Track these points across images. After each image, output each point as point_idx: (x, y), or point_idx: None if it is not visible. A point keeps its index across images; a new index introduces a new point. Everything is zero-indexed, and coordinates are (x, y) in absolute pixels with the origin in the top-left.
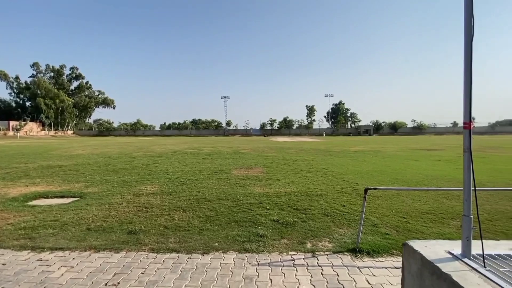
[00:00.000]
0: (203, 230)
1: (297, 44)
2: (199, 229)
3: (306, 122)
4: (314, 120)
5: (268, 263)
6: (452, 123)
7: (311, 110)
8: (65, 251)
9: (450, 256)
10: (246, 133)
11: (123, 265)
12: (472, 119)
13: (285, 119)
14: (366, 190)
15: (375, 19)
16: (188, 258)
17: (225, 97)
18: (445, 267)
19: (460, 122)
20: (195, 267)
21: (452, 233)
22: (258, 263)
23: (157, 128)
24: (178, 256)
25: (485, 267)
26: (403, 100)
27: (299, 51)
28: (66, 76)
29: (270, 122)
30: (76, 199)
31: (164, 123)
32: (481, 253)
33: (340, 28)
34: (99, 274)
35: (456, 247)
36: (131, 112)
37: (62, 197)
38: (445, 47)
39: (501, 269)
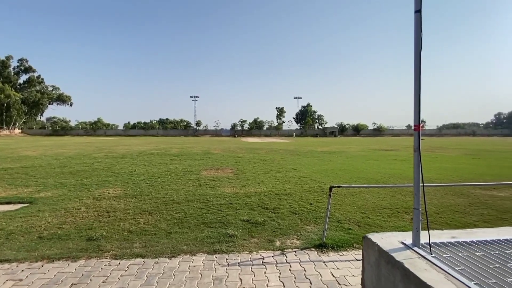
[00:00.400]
0: (171, 233)
1: (268, 47)
2: (166, 233)
3: (276, 123)
4: (283, 122)
5: (238, 263)
6: (407, 126)
7: (280, 112)
8: (12, 262)
9: (403, 246)
10: (217, 133)
11: (82, 274)
12: (423, 122)
13: (255, 120)
14: (331, 188)
15: (342, 27)
16: (155, 262)
17: (194, 97)
18: (398, 256)
19: (402, 125)
20: (162, 271)
21: (406, 226)
22: (228, 264)
23: (121, 127)
24: (143, 262)
25: (431, 254)
26: (365, 104)
27: (270, 53)
28: (13, 68)
29: (240, 122)
30: (26, 205)
31: (128, 123)
32: (428, 242)
33: (308, 34)
34: (53, 286)
35: (408, 237)
36: (91, 110)
37: (8, 203)
38: (397, 54)
39: (444, 255)
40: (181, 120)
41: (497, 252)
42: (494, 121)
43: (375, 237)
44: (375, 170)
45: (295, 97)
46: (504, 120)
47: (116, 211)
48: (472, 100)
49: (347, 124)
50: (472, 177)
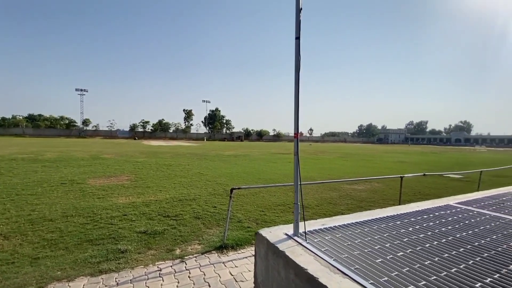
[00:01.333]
0: (38, 259)
1: (179, 48)
2: (31, 259)
3: (183, 126)
4: (191, 125)
5: (130, 280)
6: (299, 133)
7: (189, 114)
8: None
9: (286, 237)
10: (111, 135)
11: None
12: (311, 130)
13: (160, 122)
14: (231, 190)
15: (251, 32)
16: None
17: (81, 90)
18: (282, 246)
19: (305, 132)
20: None
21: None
22: (118, 283)
23: None
24: None
25: (306, 241)
26: (267, 112)
27: (181, 56)
28: None
29: (142, 123)
30: None
31: None
32: (304, 230)
33: (219, 38)
34: None
35: (291, 229)
36: None
37: None
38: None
39: (315, 240)
40: (61, 118)
41: (350, 232)
42: (358, 131)
43: (265, 232)
44: (273, 171)
45: (203, 101)
46: (364, 131)
47: None
48: (343, 115)
49: (252, 130)
50: (342, 175)
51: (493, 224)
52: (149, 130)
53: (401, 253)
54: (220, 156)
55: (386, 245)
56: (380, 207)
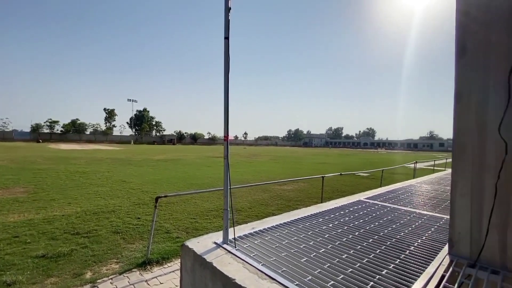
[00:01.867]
0: None
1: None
2: None
3: (104, 128)
4: (114, 126)
5: None
6: (234, 136)
7: (110, 114)
8: None
9: (215, 245)
10: (4, 137)
11: None
12: (246, 135)
13: (73, 122)
14: (156, 199)
15: (177, 37)
16: None
17: None
18: (209, 257)
19: (240, 136)
20: None
21: None
22: None
23: None
24: None
25: (235, 248)
26: (202, 114)
27: (101, 48)
28: None
29: (49, 123)
30: None
31: None
32: (234, 237)
33: (142, 37)
34: None
35: (220, 237)
36: None
37: None
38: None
39: (245, 246)
40: None
41: (278, 233)
42: (287, 135)
43: (191, 243)
44: (208, 176)
45: (129, 100)
46: (292, 135)
47: None
48: (275, 120)
49: (186, 133)
50: (273, 176)
51: (393, 215)
52: (59, 132)
53: (323, 250)
54: (148, 161)
55: (310, 243)
56: (306, 205)
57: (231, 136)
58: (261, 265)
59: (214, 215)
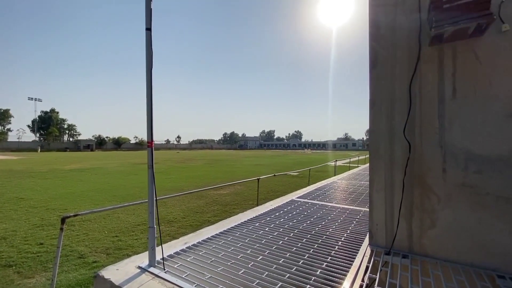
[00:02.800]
0: None
1: None
2: None
3: None
4: (9, 130)
5: None
6: (165, 140)
7: (4, 116)
8: None
9: (139, 270)
10: None
11: None
12: (179, 138)
13: None
14: (63, 220)
15: (92, 27)
16: None
17: None
18: (132, 286)
19: (172, 140)
20: None
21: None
22: None
23: None
24: None
25: (164, 270)
26: (127, 116)
27: None
28: None
29: None
30: None
31: None
32: (162, 257)
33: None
34: None
35: (146, 259)
36: None
37: None
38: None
39: (176, 266)
40: None
41: (214, 246)
42: (223, 138)
43: (108, 271)
44: (134, 186)
45: (31, 99)
46: (228, 138)
47: None
48: (211, 124)
49: (107, 137)
50: (209, 181)
51: (321, 212)
52: None
53: (261, 257)
54: (57, 171)
55: (248, 252)
56: (243, 209)
57: (162, 140)
58: (195, 286)
59: (141, 229)
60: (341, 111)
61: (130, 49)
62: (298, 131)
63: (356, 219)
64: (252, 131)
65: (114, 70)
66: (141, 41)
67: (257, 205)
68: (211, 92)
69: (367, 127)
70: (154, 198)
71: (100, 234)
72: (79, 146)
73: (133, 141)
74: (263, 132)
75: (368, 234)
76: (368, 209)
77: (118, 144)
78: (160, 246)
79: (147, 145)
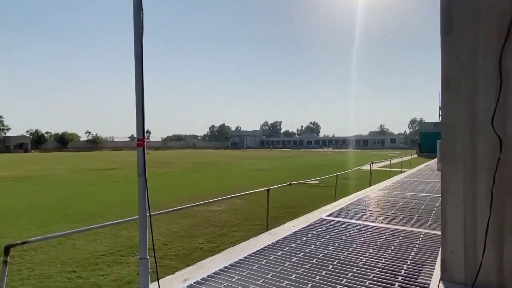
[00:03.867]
0: None
1: None
2: None
3: None
4: None
5: None
6: (130, 137)
7: None
8: None
9: None
10: None
11: None
12: (148, 133)
13: None
14: (7, 250)
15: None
16: None
17: None
18: None
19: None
20: None
21: (132, 274)
22: None
23: None
24: None
25: None
26: (76, 107)
27: None
28: None
29: None
30: None
31: None
32: None
33: None
34: None
35: None
36: None
37: None
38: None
39: None
40: None
41: (225, 284)
42: (209, 133)
43: None
44: (91, 200)
45: None
46: (216, 133)
47: None
48: (192, 114)
49: (47, 133)
50: (195, 193)
51: (366, 235)
52: None
53: None
54: None
55: None
56: (246, 231)
57: (124, 136)
58: None
59: (108, 261)
60: (374, 95)
61: (78, 12)
62: (314, 122)
63: (416, 245)
64: (250, 123)
65: (57, 41)
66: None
67: (267, 225)
68: (196, 73)
69: (412, 115)
70: (148, 218)
71: (51, 269)
72: (7, 145)
73: (84, 137)
74: (266, 124)
75: (439, 265)
76: (433, 230)
77: (64, 142)
78: (157, 282)
79: (137, 144)
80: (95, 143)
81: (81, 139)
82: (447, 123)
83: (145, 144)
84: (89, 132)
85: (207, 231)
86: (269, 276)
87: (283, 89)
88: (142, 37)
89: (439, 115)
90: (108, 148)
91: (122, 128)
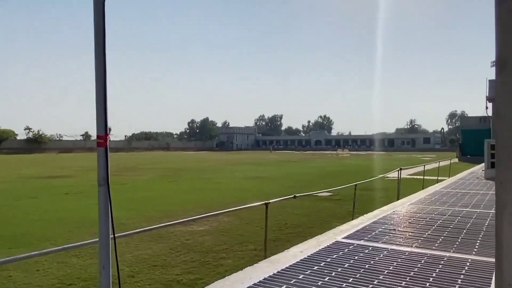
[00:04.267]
0: None
1: None
2: None
3: None
4: None
5: None
6: (83, 135)
7: None
8: None
9: None
10: None
11: None
12: (108, 130)
13: None
14: None
15: None
16: None
17: None
18: None
19: (95, 135)
20: None
21: None
22: None
23: None
24: None
25: None
26: (13, 96)
27: None
28: None
29: None
30: None
31: None
32: None
33: None
34: None
35: None
36: None
37: None
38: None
39: None
40: None
41: None
42: (188, 130)
43: None
44: (29, 218)
45: None
46: (197, 130)
47: None
48: (165, 105)
49: None
50: (171, 208)
51: (396, 263)
52: None
53: None
54: None
55: None
56: (238, 259)
57: (75, 134)
58: None
59: None
60: (403, 83)
61: None
62: (325, 117)
63: (461, 276)
64: (241, 118)
65: None
66: None
67: (265, 251)
68: (171, 54)
69: (452, 108)
70: (111, 240)
71: None
72: None
73: (22, 135)
74: (262, 118)
75: None
76: (483, 257)
77: None
78: None
79: (98, 143)
80: (37, 143)
81: (18, 138)
82: (503, 114)
83: (108, 143)
84: (29, 129)
85: (186, 258)
86: None
87: (285, 74)
88: (104, 4)
89: (486, 107)
90: (55, 149)
91: (73, 124)
